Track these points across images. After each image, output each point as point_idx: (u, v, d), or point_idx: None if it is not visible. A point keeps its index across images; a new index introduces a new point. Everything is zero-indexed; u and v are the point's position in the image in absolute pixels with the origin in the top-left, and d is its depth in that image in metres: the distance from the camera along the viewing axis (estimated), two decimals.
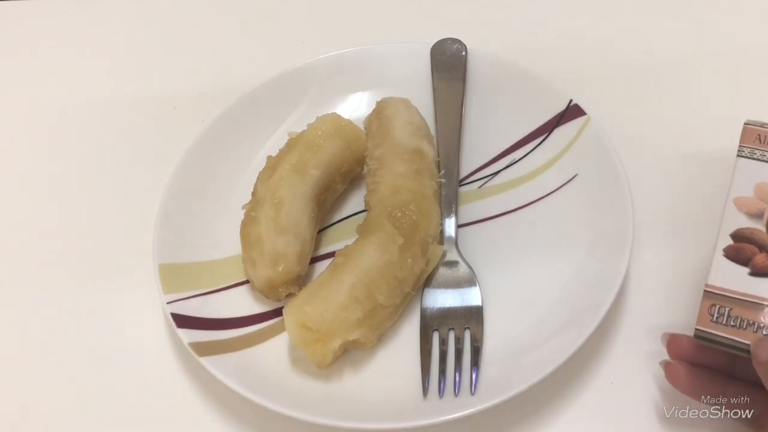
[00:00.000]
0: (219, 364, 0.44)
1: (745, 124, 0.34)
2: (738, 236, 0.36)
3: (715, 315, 0.37)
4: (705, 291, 0.38)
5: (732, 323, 0.37)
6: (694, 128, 0.59)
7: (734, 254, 0.36)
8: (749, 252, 0.36)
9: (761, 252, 0.35)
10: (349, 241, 0.48)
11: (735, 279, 0.37)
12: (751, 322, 0.37)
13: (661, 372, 0.44)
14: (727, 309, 0.37)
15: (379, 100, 0.57)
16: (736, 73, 0.63)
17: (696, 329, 0.38)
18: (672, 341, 0.42)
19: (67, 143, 0.64)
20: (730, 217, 0.36)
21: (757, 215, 0.35)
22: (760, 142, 0.34)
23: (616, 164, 0.50)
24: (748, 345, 0.37)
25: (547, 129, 0.56)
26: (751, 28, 0.66)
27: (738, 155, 0.35)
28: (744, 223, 0.35)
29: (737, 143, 0.56)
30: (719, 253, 0.37)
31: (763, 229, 0.35)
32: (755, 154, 0.34)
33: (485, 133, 0.58)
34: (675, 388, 0.42)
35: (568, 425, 0.44)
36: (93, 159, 0.62)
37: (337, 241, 0.53)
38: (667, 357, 0.42)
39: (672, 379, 0.41)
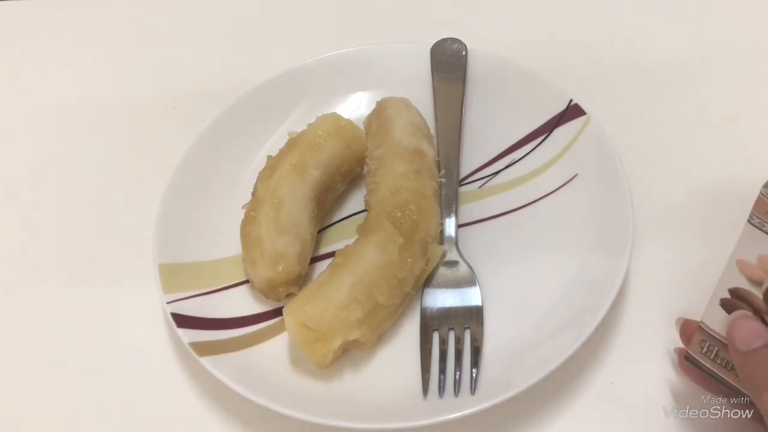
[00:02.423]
0: (219, 364, 0.44)
1: (761, 193, 0.34)
2: (735, 293, 0.37)
3: (705, 349, 0.39)
4: (699, 326, 0.39)
5: (718, 361, 0.39)
6: (694, 128, 0.59)
7: (729, 307, 0.37)
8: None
9: (755, 315, 0.37)
10: (349, 241, 0.48)
11: (725, 326, 0.38)
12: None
13: (660, 372, 0.45)
14: (715, 348, 0.39)
15: (379, 100, 0.57)
16: (737, 72, 0.63)
17: (687, 353, 0.40)
18: (685, 326, 0.42)
19: (67, 143, 0.64)
20: (732, 274, 0.37)
21: (757, 282, 0.36)
22: None
23: (616, 164, 0.50)
24: (731, 383, 0.38)
25: (547, 129, 0.56)
26: (752, 28, 0.66)
27: (748, 221, 0.35)
28: (743, 284, 0.37)
29: (739, 143, 0.57)
30: (716, 300, 0.38)
31: (760, 297, 0.36)
32: (765, 226, 0.35)
33: (485, 133, 0.58)
34: (686, 377, 0.42)
35: (568, 425, 0.44)
36: (93, 159, 0.62)
37: (337, 240, 0.53)
38: (680, 344, 0.42)
39: (683, 367, 0.42)
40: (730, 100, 0.61)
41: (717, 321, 0.38)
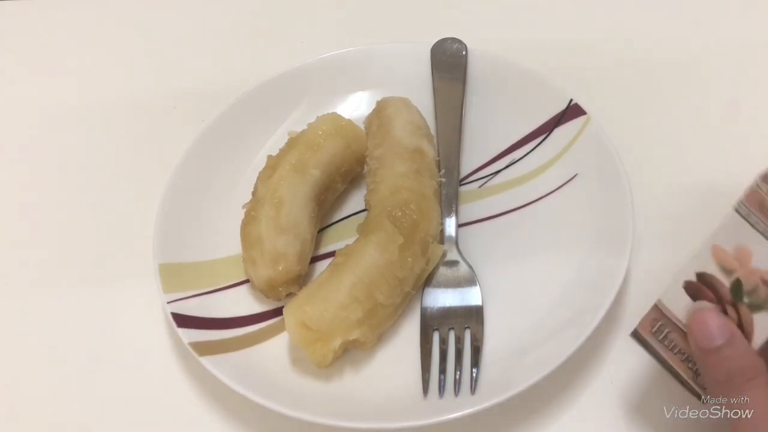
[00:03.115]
0: (219, 363, 0.44)
1: (756, 184, 0.34)
2: (702, 278, 0.36)
3: (655, 329, 0.39)
4: (655, 304, 0.39)
5: (666, 343, 0.38)
6: (694, 128, 0.59)
7: (692, 292, 0.37)
8: (706, 298, 0.36)
9: (717, 304, 0.36)
10: (350, 241, 0.48)
11: (684, 310, 0.37)
12: (683, 351, 0.38)
13: (660, 372, 0.44)
14: (666, 330, 0.38)
15: (379, 99, 0.57)
16: (737, 72, 0.63)
17: (635, 330, 0.40)
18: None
19: (67, 143, 0.64)
20: (703, 258, 0.36)
21: (728, 271, 0.35)
22: (759, 210, 0.34)
23: (616, 164, 0.50)
24: (674, 368, 0.38)
25: (547, 129, 0.56)
26: (752, 28, 0.66)
27: (735, 210, 0.35)
28: (713, 270, 0.36)
29: (738, 143, 0.57)
30: (680, 281, 0.37)
31: (727, 286, 0.35)
32: (750, 218, 0.34)
33: (485, 133, 0.58)
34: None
35: (568, 425, 0.44)
36: (93, 159, 0.62)
37: (338, 240, 0.53)
38: None
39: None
40: (731, 100, 0.60)
41: (676, 303, 0.37)
